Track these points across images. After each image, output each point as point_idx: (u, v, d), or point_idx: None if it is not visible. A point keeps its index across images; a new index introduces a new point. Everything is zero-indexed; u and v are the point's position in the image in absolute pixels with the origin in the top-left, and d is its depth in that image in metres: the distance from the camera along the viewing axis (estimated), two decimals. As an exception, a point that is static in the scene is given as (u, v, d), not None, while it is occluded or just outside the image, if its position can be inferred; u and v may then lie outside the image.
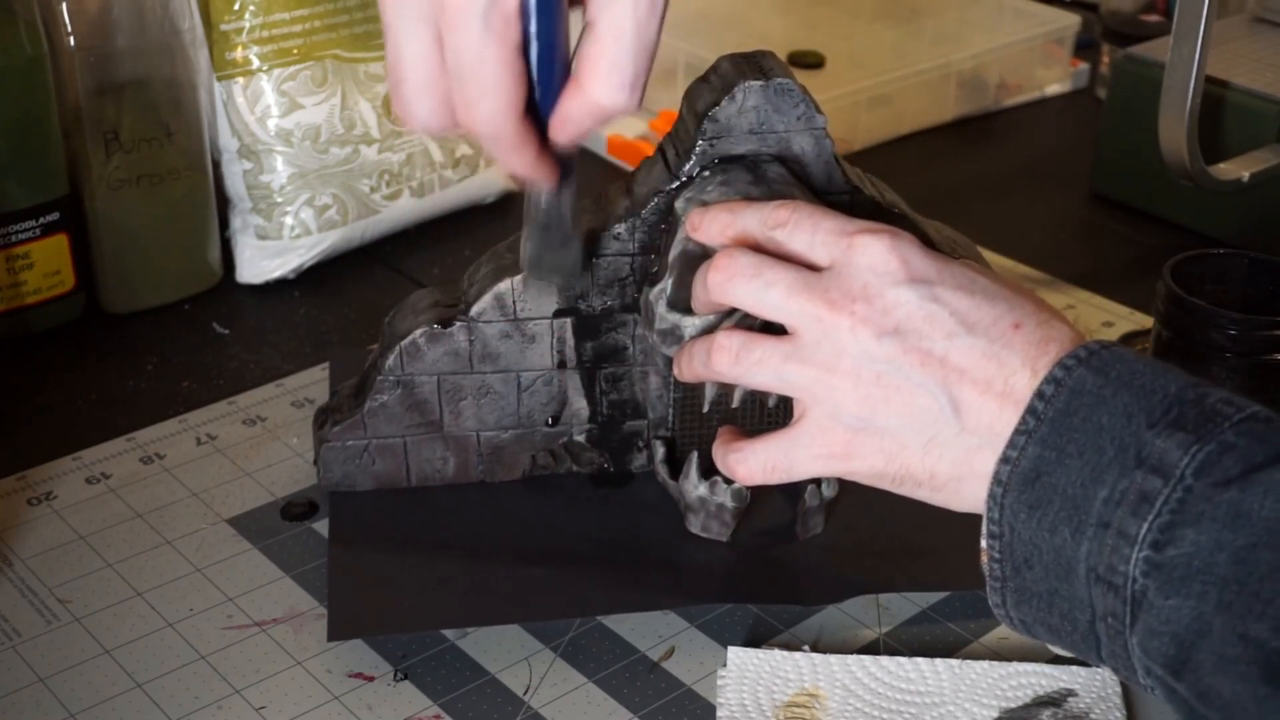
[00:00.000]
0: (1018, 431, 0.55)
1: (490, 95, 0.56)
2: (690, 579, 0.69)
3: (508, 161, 0.59)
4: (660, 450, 0.73)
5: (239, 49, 0.91)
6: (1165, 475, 0.51)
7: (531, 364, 0.72)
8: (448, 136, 0.56)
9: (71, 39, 0.85)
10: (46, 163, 0.87)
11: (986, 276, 0.59)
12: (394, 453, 0.73)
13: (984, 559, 0.56)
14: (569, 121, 0.58)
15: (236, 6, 0.90)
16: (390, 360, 0.71)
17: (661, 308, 0.66)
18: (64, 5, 0.84)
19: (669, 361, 0.68)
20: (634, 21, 0.56)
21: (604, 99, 0.57)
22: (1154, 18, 1.32)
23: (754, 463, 0.62)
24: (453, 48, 0.55)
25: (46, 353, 0.88)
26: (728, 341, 0.61)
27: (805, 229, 0.60)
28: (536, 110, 0.58)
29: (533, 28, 0.55)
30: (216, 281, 0.95)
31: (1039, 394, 0.55)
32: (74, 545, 0.72)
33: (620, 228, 0.70)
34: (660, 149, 0.72)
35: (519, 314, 0.71)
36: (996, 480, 0.55)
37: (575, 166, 0.63)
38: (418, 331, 0.71)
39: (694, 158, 0.68)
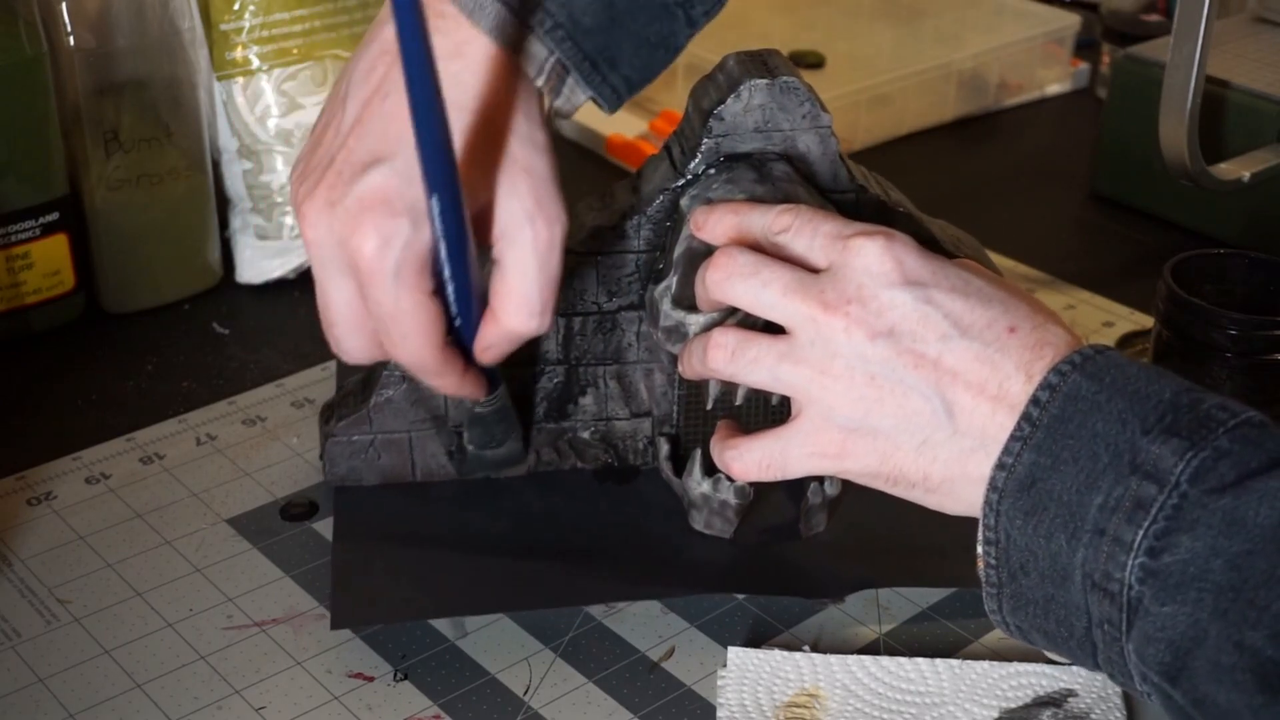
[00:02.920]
0: (1013, 438, 0.55)
1: (410, 336, 0.60)
2: (693, 573, 0.69)
3: (435, 385, 0.64)
4: (664, 447, 0.73)
5: (239, 49, 0.91)
6: (1160, 482, 0.51)
7: (536, 359, 0.72)
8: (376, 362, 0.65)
9: (71, 39, 0.85)
10: (46, 163, 0.87)
11: (983, 278, 0.59)
12: (399, 448, 0.73)
13: (980, 565, 0.56)
14: (489, 348, 0.63)
15: (236, 6, 0.90)
16: None
17: (666, 305, 0.66)
18: (64, 5, 0.84)
19: (673, 359, 0.68)
20: (535, 258, 0.61)
21: (517, 327, 0.62)
22: (1154, 18, 1.33)
23: (749, 459, 0.62)
24: (372, 300, 0.59)
25: (46, 353, 0.88)
26: (724, 339, 0.61)
27: (806, 233, 0.61)
28: (459, 333, 0.63)
29: (446, 273, 0.60)
30: (216, 281, 0.95)
31: (1034, 400, 0.55)
32: (74, 545, 0.72)
33: (626, 225, 0.70)
34: (666, 147, 0.72)
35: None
36: (992, 487, 0.55)
37: (501, 377, 0.69)
38: None
39: (700, 156, 0.69)
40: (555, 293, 0.62)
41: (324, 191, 0.59)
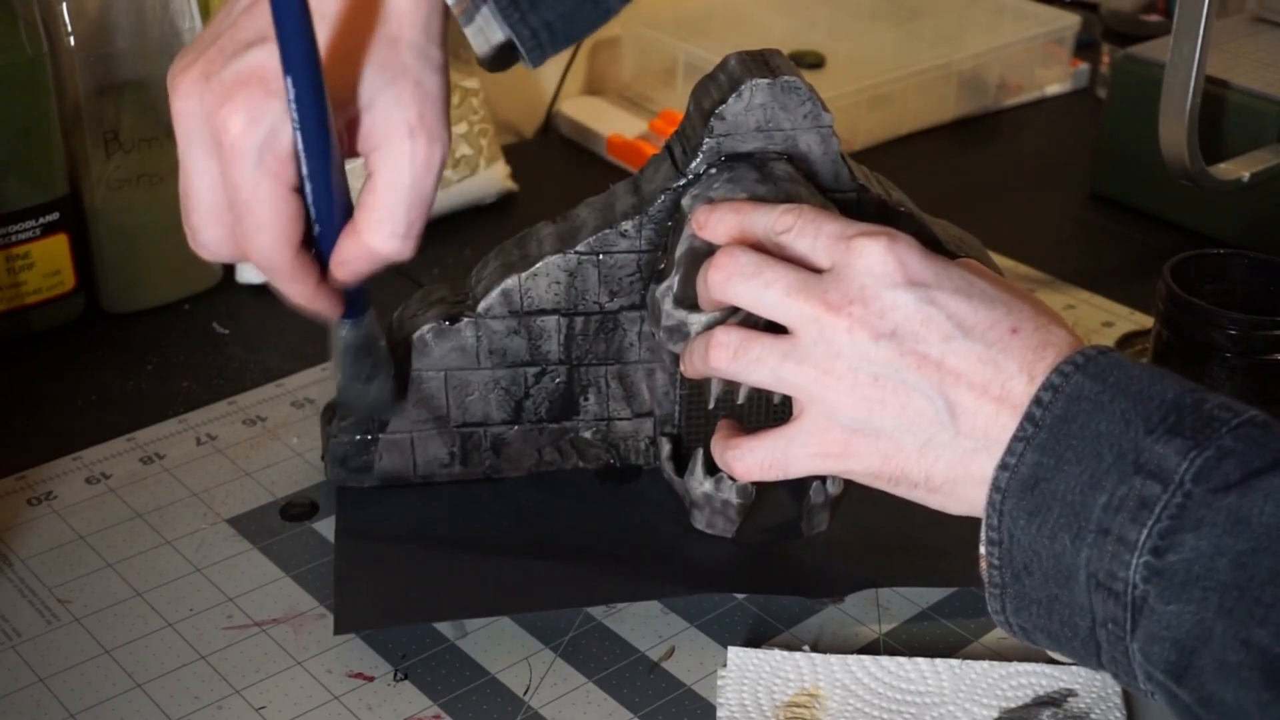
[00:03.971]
0: (1016, 438, 0.55)
1: (264, 229, 0.58)
2: (695, 572, 0.69)
3: (286, 292, 0.61)
4: (666, 447, 0.73)
5: (239, 49, 0.91)
6: (1164, 481, 0.51)
7: (538, 360, 0.72)
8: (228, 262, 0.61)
9: (71, 39, 0.85)
10: (46, 163, 0.87)
11: (985, 279, 0.59)
12: (401, 448, 0.73)
13: (983, 565, 0.56)
14: (345, 263, 0.60)
15: (236, 6, 0.90)
16: (397, 355, 0.71)
17: (668, 304, 0.66)
18: (64, 5, 0.84)
19: (675, 358, 0.68)
20: (410, 175, 0.59)
21: (378, 246, 0.59)
22: (1154, 18, 1.33)
23: (751, 459, 0.62)
24: (230, 183, 0.57)
25: (46, 353, 0.88)
26: (726, 339, 0.61)
27: (808, 233, 0.61)
28: (319, 246, 0.60)
29: (304, 169, 0.57)
30: (216, 281, 0.95)
31: (1037, 400, 0.55)
32: (74, 545, 0.72)
33: (627, 224, 0.70)
34: (668, 146, 0.72)
35: (526, 309, 0.71)
36: (995, 487, 0.55)
37: (369, 303, 0.66)
38: (425, 327, 0.71)
39: (701, 155, 0.69)
40: (424, 216, 0.60)
41: (202, 65, 0.57)
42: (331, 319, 0.65)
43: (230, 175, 0.57)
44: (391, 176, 0.59)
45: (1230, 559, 0.49)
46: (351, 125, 0.59)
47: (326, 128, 0.57)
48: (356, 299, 0.64)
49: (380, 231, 0.59)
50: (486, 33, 0.62)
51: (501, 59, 0.64)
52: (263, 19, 0.56)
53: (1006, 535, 0.54)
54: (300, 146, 0.57)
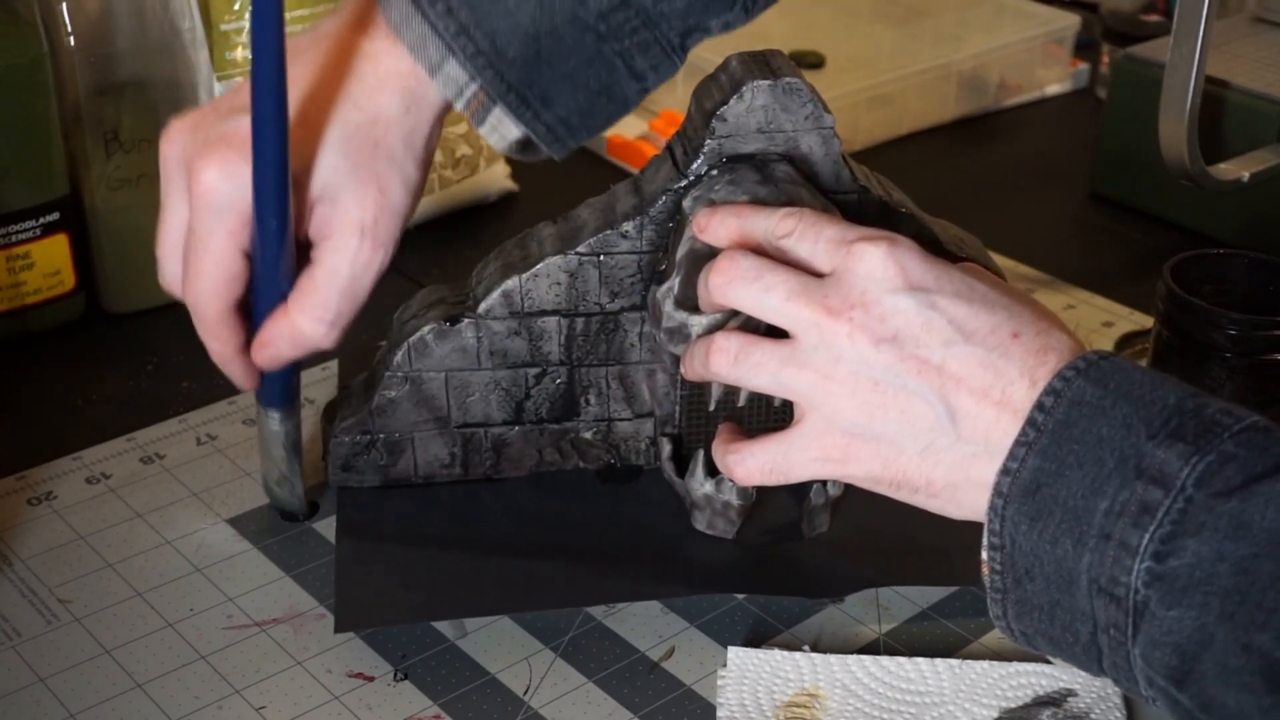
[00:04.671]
0: (1018, 443, 0.55)
1: (204, 277, 0.62)
2: (695, 573, 0.69)
3: (206, 345, 0.65)
4: (667, 447, 0.73)
5: (239, 49, 0.91)
6: (1166, 486, 0.51)
7: (539, 360, 0.72)
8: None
9: (71, 39, 0.85)
10: (46, 163, 0.87)
11: (986, 283, 0.59)
12: (401, 448, 0.73)
13: (985, 571, 0.56)
14: (268, 344, 0.64)
15: (236, 6, 0.90)
16: (398, 356, 0.71)
17: (669, 306, 0.66)
18: (64, 5, 0.84)
19: (676, 360, 0.68)
20: (350, 270, 0.62)
21: (305, 327, 0.62)
22: (1154, 18, 1.33)
23: (752, 464, 0.62)
24: (190, 228, 0.61)
25: (46, 353, 0.88)
26: (726, 343, 0.61)
27: (809, 237, 0.60)
28: (252, 318, 0.63)
29: (256, 238, 0.61)
30: (216, 281, 0.95)
31: (1038, 405, 0.55)
32: (74, 545, 0.72)
33: (628, 225, 0.70)
34: (669, 147, 0.72)
35: (527, 310, 0.71)
36: (997, 492, 0.55)
37: (297, 409, 0.69)
38: (426, 328, 0.71)
39: (702, 156, 0.69)
40: (353, 312, 0.63)
41: (195, 118, 0.62)
42: (255, 403, 0.69)
43: (192, 220, 0.61)
44: (333, 266, 0.62)
45: (1232, 564, 0.49)
46: (307, 211, 0.62)
47: (284, 207, 0.60)
48: (285, 390, 0.68)
49: (310, 315, 0.62)
50: (501, 130, 0.64)
51: (524, 149, 0.65)
52: None
53: (1008, 540, 0.54)
54: (256, 212, 0.60)
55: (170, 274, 0.64)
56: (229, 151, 0.60)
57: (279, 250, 0.61)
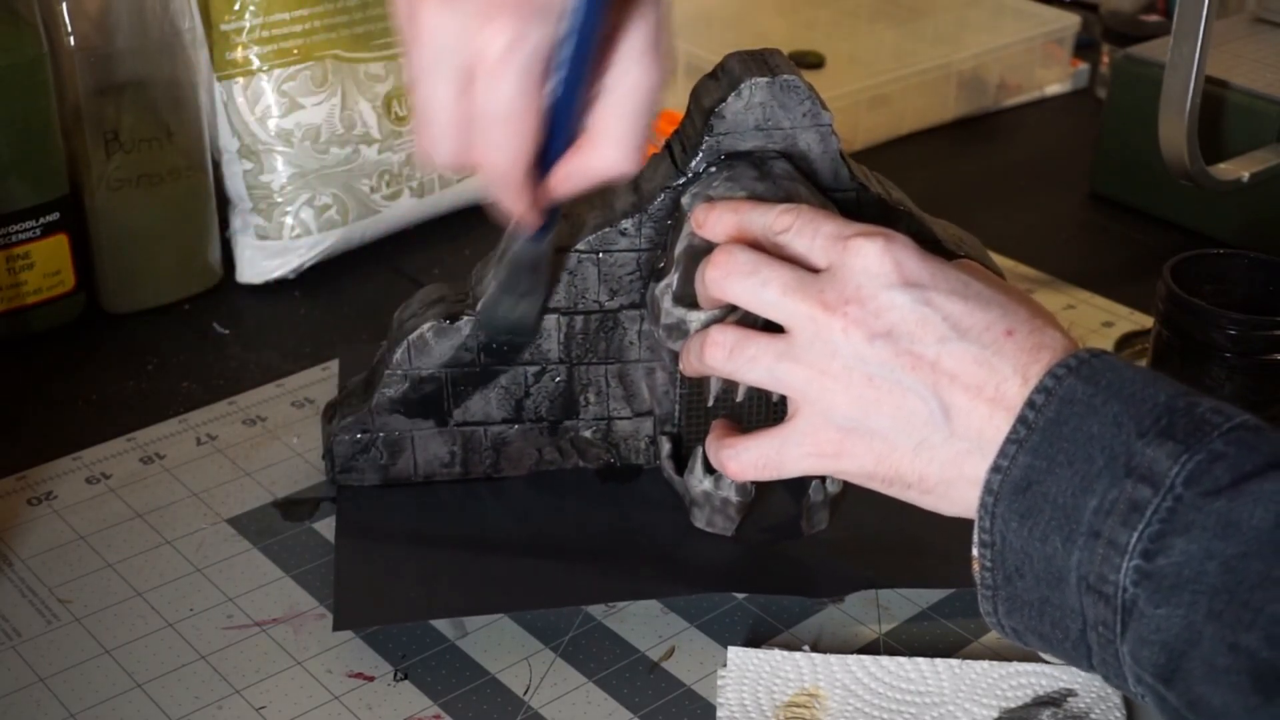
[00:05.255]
0: (1009, 440, 0.55)
1: (508, 144, 0.59)
2: (695, 572, 0.69)
3: (507, 204, 0.62)
4: (666, 445, 0.73)
5: (239, 49, 0.91)
6: (1155, 484, 0.51)
7: (538, 359, 0.72)
8: (461, 171, 0.62)
9: (71, 39, 0.85)
10: (46, 163, 0.87)
11: (982, 280, 0.59)
12: (401, 447, 0.73)
13: (975, 567, 0.56)
14: (572, 178, 0.61)
15: (236, 6, 0.90)
16: (398, 354, 0.71)
17: (667, 302, 0.66)
18: (64, 5, 0.84)
19: (675, 357, 0.68)
20: (646, 94, 0.60)
21: (611, 163, 0.60)
22: (1154, 18, 1.33)
23: (746, 459, 0.62)
24: (484, 98, 0.58)
25: (46, 353, 0.88)
26: (722, 337, 0.61)
27: (806, 233, 0.61)
28: (540, 161, 0.61)
29: (560, 86, 0.59)
30: (216, 281, 0.95)
31: (1030, 403, 0.55)
32: (74, 545, 0.72)
33: (627, 223, 0.70)
34: (668, 145, 0.72)
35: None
36: (987, 489, 0.55)
37: (556, 225, 0.67)
38: (425, 326, 0.71)
39: (700, 154, 0.69)
40: (646, 139, 0.61)
41: None
42: (514, 231, 0.67)
43: (485, 91, 0.58)
44: (630, 96, 0.60)
45: (1220, 563, 0.49)
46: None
47: (594, 45, 0.58)
48: (552, 216, 0.65)
49: (617, 149, 0.60)
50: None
51: None
52: None
53: (999, 537, 0.54)
54: (567, 60, 0.58)
55: (446, 150, 0.60)
56: (515, 14, 0.57)
57: (580, 84, 0.59)
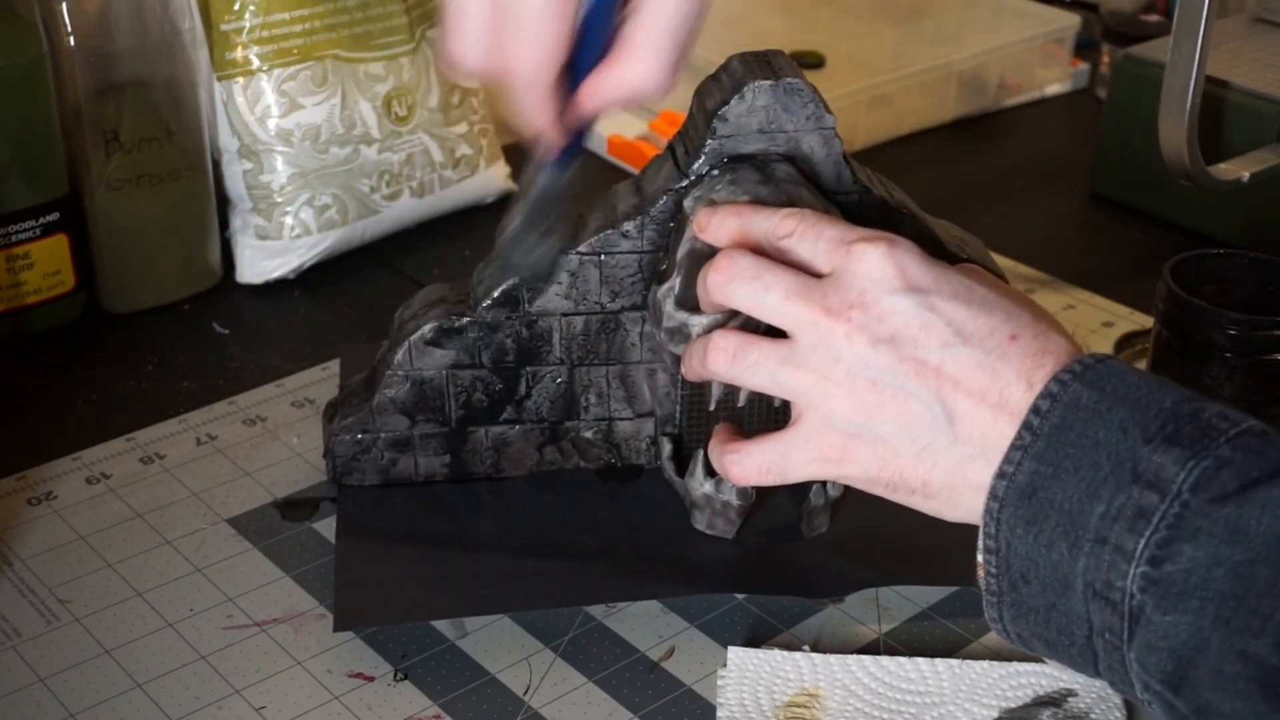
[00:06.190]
0: (1014, 446, 0.54)
1: (538, 44, 0.58)
2: (695, 572, 0.69)
3: (532, 113, 0.61)
4: (667, 447, 0.73)
5: (239, 49, 0.91)
6: (1162, 491, 0.51)
7: (539, 360, 0.72)
8: (486, 81, 0.61)
9: (71, 39, 0.85)
10: (46, 163, 0.87)
11: (985, 285, 0.59)
12: (402, 447, 0.73)
13: (980, 573, 0.56)
14: (601, 92, 0.61)
15: (236, 6, 0.90)
16: (399, 355, 0.71)
17: (669, 306, 0.66)
18: (64, 5, 0.84)
19: (676, 359, 0.68)
20: (687, 6, 0.59)
21: (640, 76, 0.60)
22: (1154, 18, 1.33)
23: (749, 464, 0.62)
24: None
25: (46, 353, 0.88)
26: (724, 342, 0.61)
27: (809, 238, 0.61)
28: (570, 74, 0.61)
29: None
30: (216, 281, 0.95)
31: (1034, 409, 0.55)
32: (74, 545, 0.72)
33: (629, 225, 0.70)
34: (670, 147, 0.72)
35: (527, 310, 0.71)
36: (993, 495, 0.55)
37: (581, 158, 0.65)
38: (427, 326, 0.71)
39: (703, 156, 0.69)
40: (684, 53, 0.60)
41: None
42: (538, 160, 0.65)
43: None
44: (665, 5, 0.59)
45: (1227, 569, 0.49)
46: None
47: None
48: (573, 146, 0.64)
49: (646, 61, 0.60)
50: None
51: None
52: None
53: (1004, 543, 0.54)
54: None
55: (471, 52, 0.60)
56: None
57: (612, 3, 0.59)
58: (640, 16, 0.59)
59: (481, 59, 0.60)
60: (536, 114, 0.61)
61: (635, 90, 0.60)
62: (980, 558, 0.55)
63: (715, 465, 0.64)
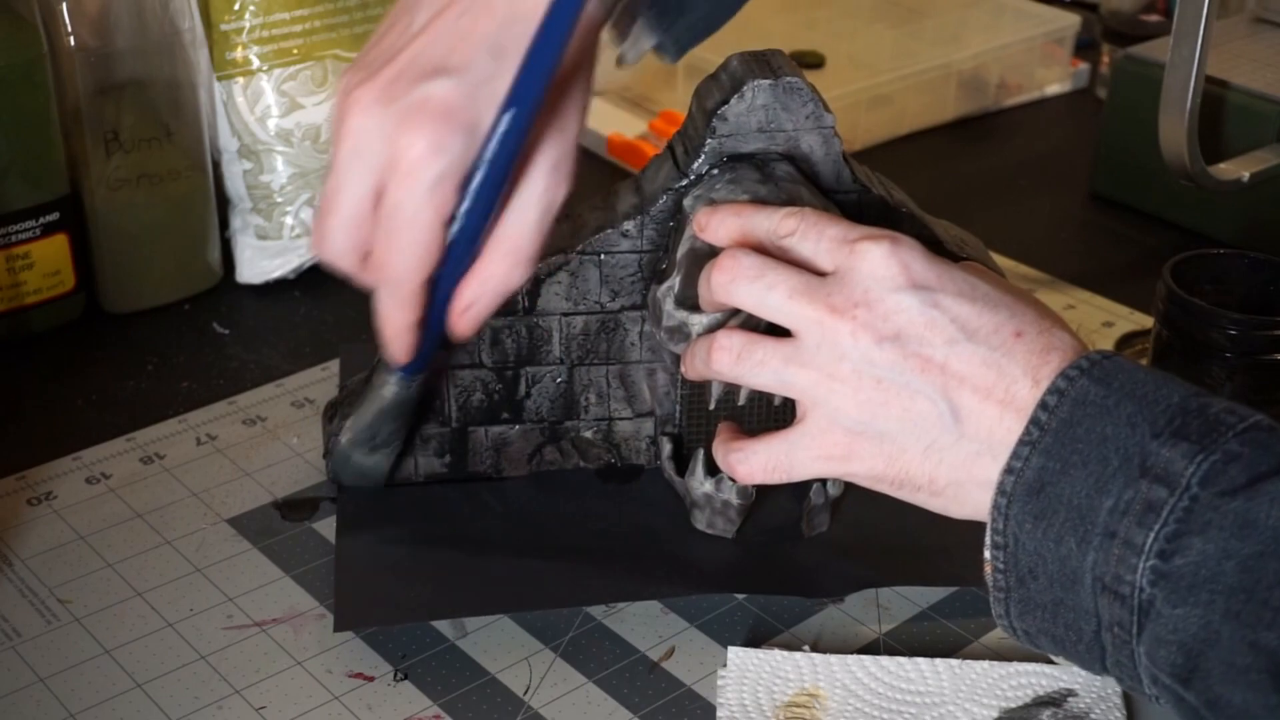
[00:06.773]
0: (1021, 442, 0.55)
1: (408, 252, 0.59)
2: (695, 572, 0.69)
3: (390, 317, 0.62)
4: (667, 447, 0.73)
5: (239, 49, 0.91)
6: (1171, 485, 0.51)
7: (539, 359, 0.72)
8: (349, 274, 0.64)
9: (71, 39, 0.85)
10: (46, 163, 0.87)
11: (989, 282, 0.59)
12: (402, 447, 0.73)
13: (987, 570, 0.56)
14: (470, 306, 0.62)
15: (236, 6, 0.90)
16: None
17: (669, 305, 0.66)
18: (64, 5, 0.84)
19: (676, 359, 0.68)
20: (542, 208, 0.61)
21: (504, 272, 0.61)
22: (1154, 18, 1.33)
23: (754, 462, 0.62)
24: (393, 203, 0.58)
25: (46, 353, 0.88)
26: (728, 342, 0.61)
27: (811, 237, 0.61)
28: (437, 285, 0.61)
29: (469, 205, 0.59)
30: (216, 281, 0.95)
31: (1042, 404, 0.55)
32: (74, 545, 0.72)
33: (629, 224, 0.70)
34: (670, 147, 0.72)
35: (527, 309, 0.71)
36: (1000, 491, 0.55)
37: (437, 387, 0.68)
38: None
39: (703, 155, 0.69)
40: (541, 251, 0.62)
41: (381, 85, 0.58)
42: (384, 368, 0.67)
43: (396, 195, 0.58)
44: (527, 208, 0.60)
45: (1237, 562, 0.49)
46: None
47: (512, 167, 0.59)
48: (422, 357, 0.65)
49: (508, 259, 0.61)
50: (637, 45, 0.64)
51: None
52: (441, 47, 0.58)
53: (1012, 539, 0.54)
54: (480, 181, 0.59)
55: (337, 244, 0.61)
56: (439, 124, 0.57)
57: (492, 205, 0.60)
58: (503, 220, 0.61)
59: (346, 257, 0.61)
60: (395, 317, 0.62)
61: (499, 292, 0.62)
62: (987, 554, 0.55)
63: (720, 464, 0.64)
